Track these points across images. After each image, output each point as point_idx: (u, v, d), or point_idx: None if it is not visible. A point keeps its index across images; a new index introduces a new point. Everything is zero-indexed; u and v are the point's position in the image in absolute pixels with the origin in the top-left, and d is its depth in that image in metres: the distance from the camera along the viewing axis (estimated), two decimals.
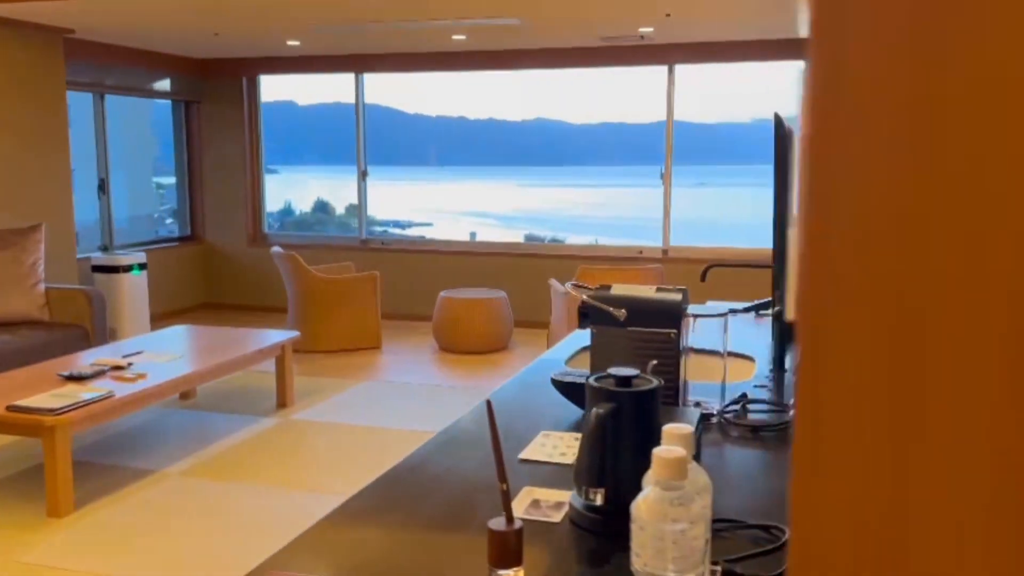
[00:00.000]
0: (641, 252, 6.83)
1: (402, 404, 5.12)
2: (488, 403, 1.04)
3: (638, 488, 1.17)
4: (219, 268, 7.91)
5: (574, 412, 1.72)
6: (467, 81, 8.08)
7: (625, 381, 1.19)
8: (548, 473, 1.39)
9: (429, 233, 9.16)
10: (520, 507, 1.25)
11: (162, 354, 4.42)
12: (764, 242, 6.71)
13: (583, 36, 6.12)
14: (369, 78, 7.47)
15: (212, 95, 7.73)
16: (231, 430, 4.56)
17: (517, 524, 1.05)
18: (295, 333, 5.05)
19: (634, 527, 0.83)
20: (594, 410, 1.13)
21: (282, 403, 4.97)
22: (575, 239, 8.81)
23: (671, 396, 1.65)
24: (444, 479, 1.36)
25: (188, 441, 4.39)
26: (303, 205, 9.28)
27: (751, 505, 1.27)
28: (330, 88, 8.03)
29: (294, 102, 8.39)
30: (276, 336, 4.96)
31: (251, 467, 4.05)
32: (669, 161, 6.72)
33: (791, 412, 1.64)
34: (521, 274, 7.02)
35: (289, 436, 4.55)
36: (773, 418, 1.64)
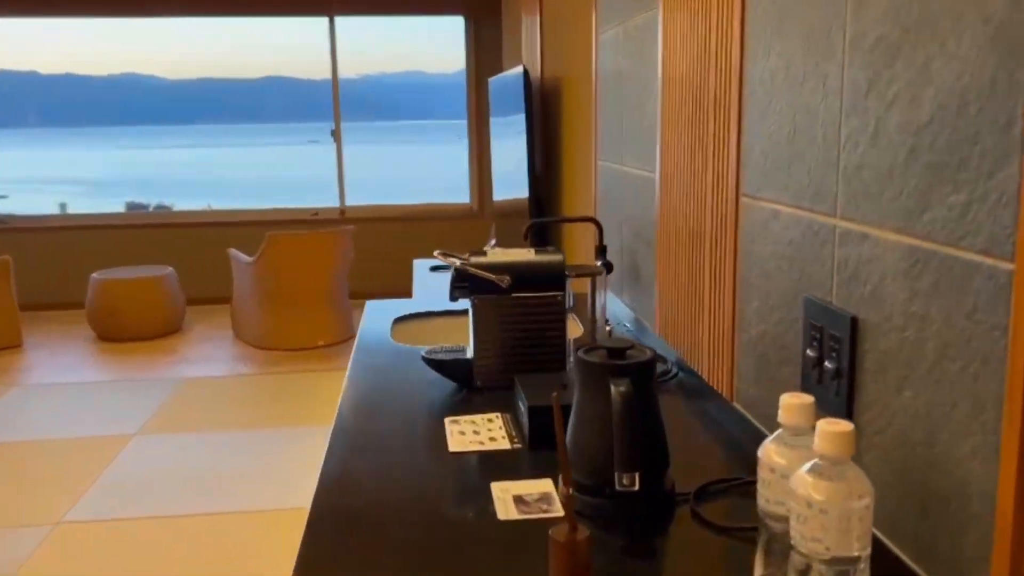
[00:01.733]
0: (316, 214, 6.55)
1: (69, 408, 4.40)
2: (555, 397, 0.89)
3: (662, 467, 1.10)
4: None
5: (449, 389, 1.57)
6: (39, 30, 7.00)
7: (620, 353, 1.10)
8: (488, 463, 1.25)
9: (3, 207, 7.84)
10: (507, 508, 1.11)
11: None
12: (452, 197, 6.78)
13: None
14: None
15: None
16: None
17: (584, 532, 0.92)
18: None
19: (809, 512, 0.76)
20: (617, 388, 1.03)
21: None
22: (186, 204, 8.04)
23: (559, 360, 1.58)
24: (387, 487, 1.16)
25: None
26: None
27: (698, 459, 1.26)
28: None
29: None
30: None
31: None
32: (337, 117, 6.49)
33: (670, 363, 1.66)
34: (187, 246, 6.37)
35: None
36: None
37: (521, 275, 1.55)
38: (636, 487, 1.02)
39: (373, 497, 1.15)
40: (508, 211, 3.91)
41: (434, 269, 4.74)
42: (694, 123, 1.51)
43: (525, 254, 1.58)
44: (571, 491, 0.92)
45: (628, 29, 1.95)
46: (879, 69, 0.90)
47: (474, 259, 1.57)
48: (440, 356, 1.61)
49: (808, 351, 1.07)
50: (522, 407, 1.36)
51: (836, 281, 1.01)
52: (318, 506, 1.12)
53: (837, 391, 1.01)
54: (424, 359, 1.60)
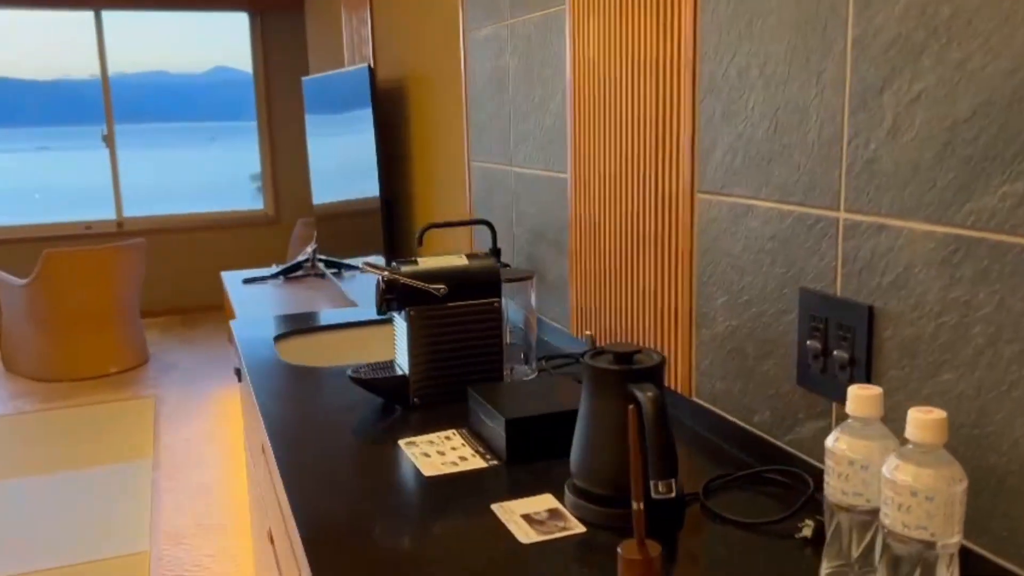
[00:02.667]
0: (90, 227, 5.94)
1: None
2: (632, 410, 0.84)
3: (677, 469, 1.08)
4: None
5: (379, 409, 1.47)
6: None
7: (627, 357, 1.07)
8: (472, 485, 1.18)
9: None
10: (525, 530, 1.05)
11: None
12: (232, 203, 6.37)
13: None
14: None
15: None
16: None
17: (656, 548, 0.88)
18: None
19: (914, 501, 0.77)
20: (646, 395, 0.99)
21: None
22: None
23: (497, 369, 1.52)
24: (383, 523, 1.06)
25: None
26: None
27: (680, 456, 1.26)
28: None
29: None
30: None
31: None
32: (110, 120, 5.92)
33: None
34: None
35: None
36: None
37: (456, 283, 1.48)
38: (673, 494, 0.99)
39: (375, 537, 1.04)
40: (335, 214, 3.75)
41: (248, 282, 4.46)
42: (624, 124, 1.51)
43: (456, 260, 1.51)
44: (641, 506, 0.89)
45: (519, 27, 1.92)
46: (898, 67, 0.94)
47: (405, 268, 1.47)
48: (369, 374, 1.50)
49: (809, 342, 1.10)
50: (489, 421, 1.29)
51: (842, 273, 1.04)
52: (317, 560, 1.00)
53: (851, 378, 1.04)
54: (353, 379, 1.48)
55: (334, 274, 4.02)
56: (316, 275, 4.49)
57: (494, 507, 1.11)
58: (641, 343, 1.52)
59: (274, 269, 4.60)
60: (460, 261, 1.51)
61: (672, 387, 1.42)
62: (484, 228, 2.25)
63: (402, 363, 1.51)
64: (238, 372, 2.02)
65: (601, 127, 1.59)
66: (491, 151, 2.14)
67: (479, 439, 1.33)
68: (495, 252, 1.99)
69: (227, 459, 3.72)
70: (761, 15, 1.14)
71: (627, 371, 1.04)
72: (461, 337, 1.49)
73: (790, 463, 1.17)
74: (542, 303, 1.90)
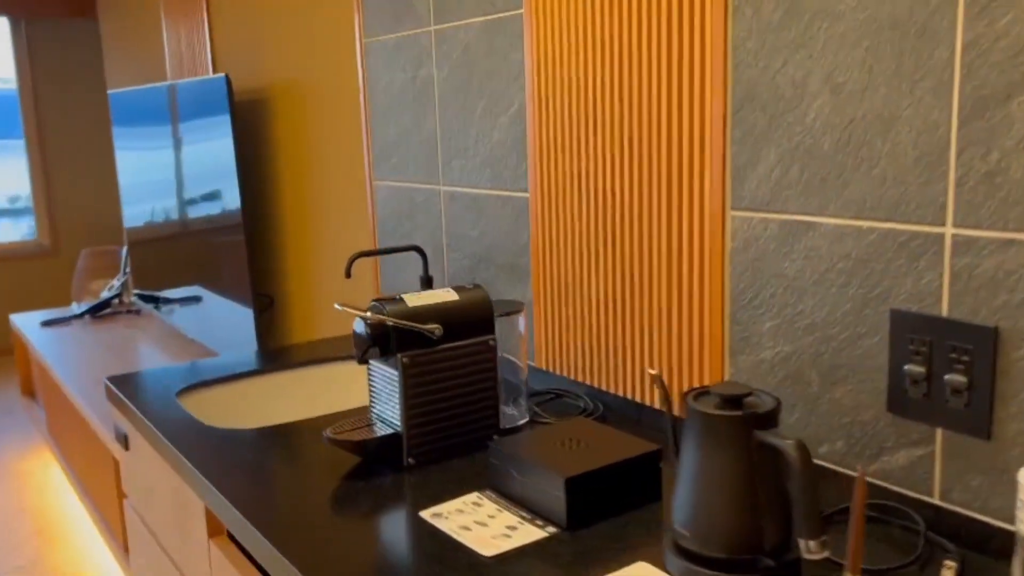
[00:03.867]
0: None
1: None
2: (861, 472, 0.71)
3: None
4: None
5: (360, 472, 1.24)
6: None
7: (738, 401, 0.95)
8: (545, 562, 1.01)
9: None
10: None
11: None
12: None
13: None
14: None
15: None
16: None
17: None
18: None
19: None
20: (786, 443, 0.87)
21: None
22: None
23: (492, 417, 1.34)
24: None
25: None
26: None
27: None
28: None
29: None
30: None
31: None
32: None
33: (583, 397, 1.51)
34: None
35: None
36: (575, 407, 1.48)
37: (449, 321, 1.28)
38: (826, 553, 0.88)
39: None
40: (156, 239, 3.33)
41: (48, 324, 3.87)
42: (616, 138, 1.38)
43: (445, 295, 1.31)
44: None
45: (449, 34, 1.74)
46: None
47: (391, 307, 1.25)
48: (350, 435, 1.26)
49: (907, 367, 1.03)
50: (528, 479, 1.12)
51: (951, 292, 0.98)
52: None
53: (968, 403, 0.98)
54: (334, 441, 1.25)
55: (154, 308, 3.57)
56: (131, 312, 3.98)
57: None
58: (637, 374, 1.40)
59: (78, 308, 4.02)
60: (449, 296, 1.31)
61: None
62: (393, 256, 2.03)
63: (389, 417, 1.29)
64: (125, 439, 1.68)
65: (580, 142, 1.45)
66: (407, 169, 1.94)
67: (514, 502, 1.15)
68: (427, 281, 1.79)
69: (43, 536, 3.17)
70: (827, 20, 1.06)
71: (749, 416, 0.92)
72: (455, 383, 1.30)
73: (874, 495, 1.09)
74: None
